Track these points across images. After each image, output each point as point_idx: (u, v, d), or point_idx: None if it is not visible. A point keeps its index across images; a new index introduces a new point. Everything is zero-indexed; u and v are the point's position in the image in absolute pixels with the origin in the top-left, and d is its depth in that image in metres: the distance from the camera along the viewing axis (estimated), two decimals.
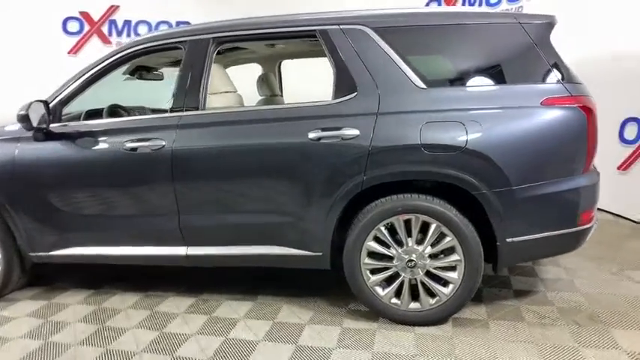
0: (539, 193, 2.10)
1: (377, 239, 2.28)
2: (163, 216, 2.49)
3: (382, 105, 2.20)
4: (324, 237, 2.32)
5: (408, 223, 2.23)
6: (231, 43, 2.55)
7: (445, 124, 2.12)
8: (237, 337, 2.30)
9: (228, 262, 2.56)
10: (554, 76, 2.15)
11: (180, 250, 2.53)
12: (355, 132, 2.19)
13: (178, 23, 6.36)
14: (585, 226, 2.20)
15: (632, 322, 2.26)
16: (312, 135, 2.23)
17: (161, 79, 3.51)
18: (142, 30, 6.30)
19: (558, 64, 2.16)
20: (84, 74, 2.60)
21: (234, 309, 2.59)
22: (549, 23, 2.22)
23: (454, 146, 2.09)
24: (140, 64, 2.99)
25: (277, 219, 2.37)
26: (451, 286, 2.25)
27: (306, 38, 2.46)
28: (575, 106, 2.10)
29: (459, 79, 2.28)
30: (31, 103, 2.41)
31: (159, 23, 6.32)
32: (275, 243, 2.42)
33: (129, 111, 3.21)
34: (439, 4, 5.63)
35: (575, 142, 2.12)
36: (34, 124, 2.42)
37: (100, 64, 2.59)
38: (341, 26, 2.34)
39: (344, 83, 2.28)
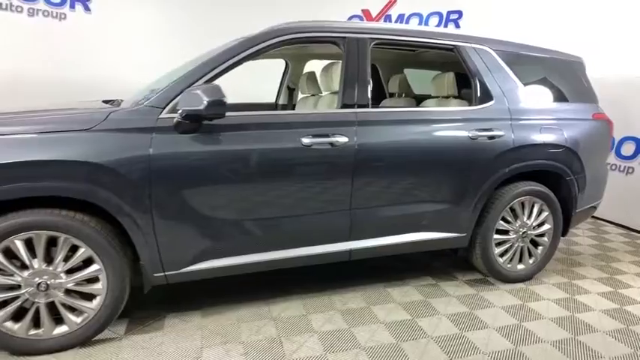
0: (593, 177, 3.12)
1: (503, 218, 2.88)
2: (334, 213, 2.44)
3: (512, 112, 2.82)
4: (471, 220, 2.79)
5: (522, 204, 2.92)
6: (382, 44, 2.66)
7: (553, 129, 2.90)
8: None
9: (385, 252, 2.68)
10: (592, 98, 3.21)
11: (344, 246, 2.52)
12: (501, 133, 2.74)
13: None
14: (601, 200, 3.36)
15: None
16: (470, 134, 2.66)
17: None
18: None
19: (593, 90, 3.23)
20: (233, 56, 2.26)
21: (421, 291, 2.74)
22: (582, 62, 3.28)
23: (561, 145, 2.90)
24: None
25: (438, 207, 2.68)
26: (540, 248, 3.06)
27: (443, 50, 2.82)
28: (605, 119, 3.20)
29: (545, 96, 3.07)
30: (212, 87, 2.00)
31: None
32: (430, 229, 2.72)
33: None
34: (360, 20, 6.39)
35: (606, 142, 3.24)
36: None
37: (251, 46, 2.30)
38: (473, 45, 2.83)
39: (483, 92, 2.79)
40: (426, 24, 6.04)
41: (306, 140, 2.30)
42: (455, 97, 3.09)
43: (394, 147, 2.50)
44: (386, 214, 2.58)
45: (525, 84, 2.94)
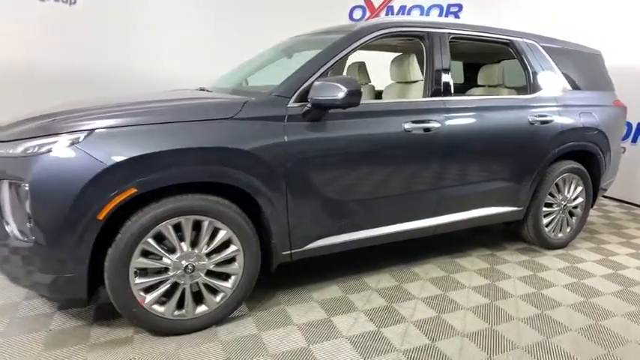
0: (614, 156, 3.61)
1: (549, 193, 3.29)
2: (428, 191, 2.71)
3: (557, 99, 3.21)
4: (528, 195, 3.16)
5: (564, 180, 3.34)
6: (457, 39, 2.91)
7: (588, 114, 3.33)
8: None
9: (463, 226, 2.97)
10: (611, 87, 3.69)
11: (433, 221, 2.80)
12: (551, 118, 3.12)
13: None
14: (615, 177, 3.86)
15: None
16: (530, 119, 3.02)
17: None
18: None
19: (611, 80, 3.70)
20: (343, 49, 2.45)
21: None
22: (601, 55, 3.73)
23: (595, 128, 3.34)
24: None
25: (506, 184, 3.04)
26: (575, 218, 3.51)
27: (500, 44, 3.13)
28: (622, 105, 3.69)
29: (578, 85, 3.49)
30: (348, 78, 2.17)
31: None
32: (499, 204, 3.06)
33: None
34: (363, 14, 6.61)
35: (623, 126, 3.74)
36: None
37: (357, 39, 2.49)
38: (525, 40, 3.17)
39: (536, 82, 3.15)
40: (427, 15, 6.37)
41: (407, 126, 2.53)
42: (503, 87, 3.43)
43: (475, 131, 2.81)
44: (466, 191, 2.88)
45: (563, 74, 3.33)
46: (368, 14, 6.62)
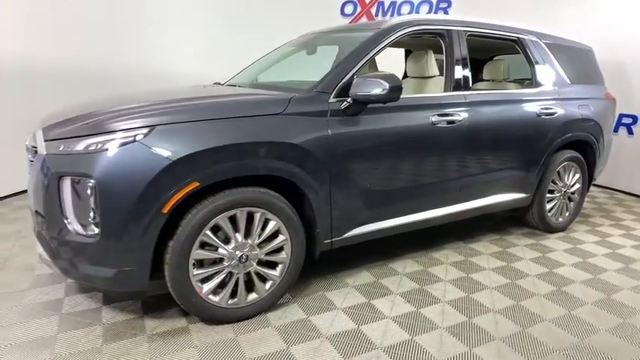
0: (607, 143, 3.90)
1: (552, 180, 3.54)
2: (452, 180, 2.88)
3: (559, 93, 3.45)
4: (535, 182, 3.39)
5: (564, 168, 3.59)
6: (473, 36, 3.07)
7: (585, 106, 3.59)
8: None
9: (478, 212, 3.16)
10: (602, 80, 3.97)
11: (455, 208, 2.98)
12: (555, 110, 3.35)
13: None
14: (606, 164, 4.17)
15: None
16: (537, 111, 3.24)
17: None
18: None
19: (601, 74, 3.99)
20: (375, 46, 2.57)
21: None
22: (593, 50, 4.01)
23: (592, 119, 3.61)
24: None
25: (518, 172, 3.26)
26: (572, 203, 3.79)
27: (508, 41, 3.33)
28: (612, 98, 3.99)
29: (574, 79, 3.74)
30: (389, 75, 2.29)
31: None
32: (511, 191, 3.28)
33: None
34: (354, 9, 6.72)
35: (612, 116, 4.03)
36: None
37: (387, 36, 2.62)
38: (528, 36, 3.39)
39: (539, 77, 3.38)
40: (417, 11, 6.56)
41: (434, 119, 2.69)
42: (508, 81, 3.64)
43: (493, 123, 3.00)
44: (485, 180, 3.08)
45: (562, 69, 3.58)
46: (359, 9, 6.75)
